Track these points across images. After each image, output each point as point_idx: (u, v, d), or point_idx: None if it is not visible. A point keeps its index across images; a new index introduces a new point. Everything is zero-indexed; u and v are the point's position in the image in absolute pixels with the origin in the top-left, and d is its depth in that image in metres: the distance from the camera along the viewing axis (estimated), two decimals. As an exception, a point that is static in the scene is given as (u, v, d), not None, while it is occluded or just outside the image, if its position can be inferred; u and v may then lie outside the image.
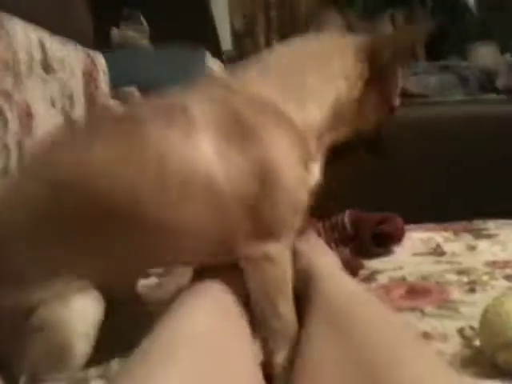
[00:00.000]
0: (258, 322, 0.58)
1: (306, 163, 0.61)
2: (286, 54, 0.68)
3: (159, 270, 0.97)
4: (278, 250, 0.58)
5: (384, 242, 0.98)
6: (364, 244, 0.96)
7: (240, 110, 0.58)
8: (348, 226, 0.98)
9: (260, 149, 0.56)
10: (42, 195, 0.57)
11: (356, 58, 0.66)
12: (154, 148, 0.56)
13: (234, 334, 0.52)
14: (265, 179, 0.56)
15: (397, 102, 0.74)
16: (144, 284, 0.90)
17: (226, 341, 0.49)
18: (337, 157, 0.70)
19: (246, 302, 0.59)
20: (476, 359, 0.58)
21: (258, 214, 0.56)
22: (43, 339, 0.57)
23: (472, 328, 0.65)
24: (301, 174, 0.60)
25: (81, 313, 0.59)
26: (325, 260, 0.71)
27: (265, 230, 0.57)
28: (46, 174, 0.58)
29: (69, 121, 1.01)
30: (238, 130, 0.57)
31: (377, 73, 0.67)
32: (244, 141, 0.56)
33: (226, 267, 0.61)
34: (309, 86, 0.63)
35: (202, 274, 0.64)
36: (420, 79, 1.71)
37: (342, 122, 0.66)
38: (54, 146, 0.62)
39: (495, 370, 0.55)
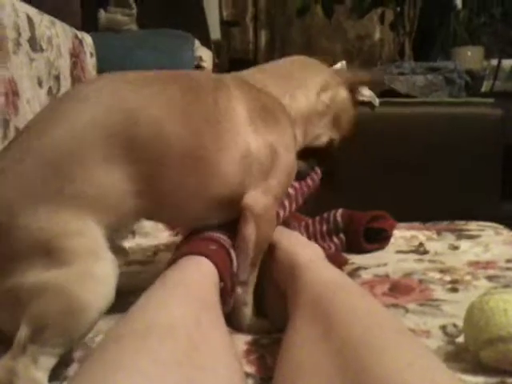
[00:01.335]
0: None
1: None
2: (278, 65, 0.86)
3: (141, 257, 0.97)
4: (271, 208, 0.72)
5: (376, 239, 0.98)
6: (356, 239, 0.96)
7: (263, 99, 0.74)
8: (339, 219, 0.98)
9: (276, 133, 0.72)
10: (114, 121, 0.62)
11: (332, 80, 0.87)
12: (211, 104, 0.69)
13: (210, 326, 0.52)
14: (275, 155, 0.71)
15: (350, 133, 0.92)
16: (125, 271, 0.89)
17: (200, 332, 0.48)
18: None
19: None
20: (459, 355, 0.58)
21: (267, 175, 0.71)
22: (61, 294, 0.55)
23: (455, 325, 0.65)
24: (294, 154, 0.76)
25: (106, 273, 0.58)
26: (306, 250, 0.72)
27: (268, 188, 0.71)
28: (123, 103, 0.64)
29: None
30: (265, 114, 0.72)
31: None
32: (267, 124, 0.72)
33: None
34: (297, 83, 0.82)
35: (178, 261, 0.64)
36: (407, 79, 1.72)
37: (315, 119, 0.84)
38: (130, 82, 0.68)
39: (478, 366, 0.55)
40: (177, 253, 0.67)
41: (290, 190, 0.83)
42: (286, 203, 0.82)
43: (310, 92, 0.82)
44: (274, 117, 0.74)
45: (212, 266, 0.64)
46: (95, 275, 0.57)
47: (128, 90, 0.65)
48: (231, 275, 0.67)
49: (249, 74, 0.81)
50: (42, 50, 0.98)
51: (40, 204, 0.57)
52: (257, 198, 0.69)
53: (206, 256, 0.65)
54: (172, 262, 0.65)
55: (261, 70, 0.83)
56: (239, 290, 0.69)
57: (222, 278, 0.64)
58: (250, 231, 0.69)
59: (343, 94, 0.88)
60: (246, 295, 0.70)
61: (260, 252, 0.71)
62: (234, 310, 0.70)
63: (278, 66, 0.86)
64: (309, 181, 0.88)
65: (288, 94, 0.79)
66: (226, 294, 0.66)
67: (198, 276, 0.61)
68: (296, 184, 0.85)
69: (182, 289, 0.56)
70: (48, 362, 0.55)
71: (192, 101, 0.68)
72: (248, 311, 0.70)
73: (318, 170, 0.90)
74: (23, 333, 0.55)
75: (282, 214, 0.81)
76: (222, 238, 0.70)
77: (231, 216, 0.71)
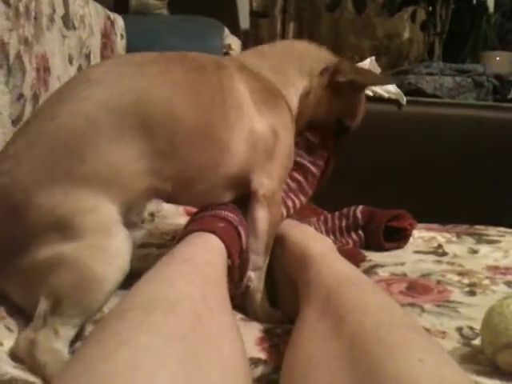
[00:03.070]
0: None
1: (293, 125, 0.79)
2: (278, 50, 0.85)
3: (159, 240, 0.97)
4: (278, 191, 0.74)
5: (395, 238, 0.98)
6: (375, 237, 0.96)
7: (263, 81, 0.75)
8: (359, 216, 0.97)
9: (276, 114, 0.74)
10: (126, 101, 0.62)
11: (321, 69, 0.82)
12: (216, 83, 0.70)
13: (215, 303, 0.50)
14: (276, 136, 0.73)
15: (352, 123, 0.88)
16: (142, 254, 0.90)
17: (206, 308, 0.47)
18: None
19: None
20: (475, 357, 0.58)
21: (271, 156, 0.72)
22: (77, 266, 0.56)
23: (471, 328, 0.65)
24: (292, 135, 0.78)
25: (120, 247, 0.59)
26: (317, 243, 0.72)
27: (272, 170, 0.72)
28: (133, 83, 0.64)
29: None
30: (266, 95, 0.74)
31: (334, 87, 0.82)
32: (269, 105, 0.73)
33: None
34: (290, 79, 0.81)
35: (186, 237, 0.65)
36: (434, 80, 1.70)
37: (307, 109, 0.83)
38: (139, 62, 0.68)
39: (494, 369, 0.55)
40: (185, 230, 0.68)
41: (293, 185, 0.83)
42: (293, 196, 0.82)
43: (297, 91, 0.81)
44: (274, 98, 0.75)
45: (220, 242, 0.64)
46: (107, 249, 0.58)
47: (134, 72, 0.66)
48: (240, 253, 0.67)
49: (244, 58, 0.81)
50: (74, 27, 0.99)
51: (54, 185, 0.58)
52: (264, 182, 0.71)
53: (214, 233, 0.65)
54: (180, 239, 0.65)
55: (260, 57, 0.82)
56: (254, 276, 0.70)
57: (229, 256, 0.64)
58: (263, 214, 0.70)
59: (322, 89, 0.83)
60: (259, 282, 0.71)
61: (272, 237, 0.72)
62: (247, 297, 0.70)
63: (276, 56, 0.83)
64: (312, 168, 0.84)
65: (284, 88, 0.79)
66: (234, 271, 0.66)
67: (205, 253, 0.61)
68: (299, 177, 0.83)
69: (189, 265, 0.56)
70: (68, 333, 0.56)
71: (197, 80, 0.69)
72: (259, 297, 0.70)
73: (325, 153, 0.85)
74: (43, 306, 0.56)
75: (290, 204, 0.81)
76: (230, 215, 0.70)
77: (238, 195, 0.72)
